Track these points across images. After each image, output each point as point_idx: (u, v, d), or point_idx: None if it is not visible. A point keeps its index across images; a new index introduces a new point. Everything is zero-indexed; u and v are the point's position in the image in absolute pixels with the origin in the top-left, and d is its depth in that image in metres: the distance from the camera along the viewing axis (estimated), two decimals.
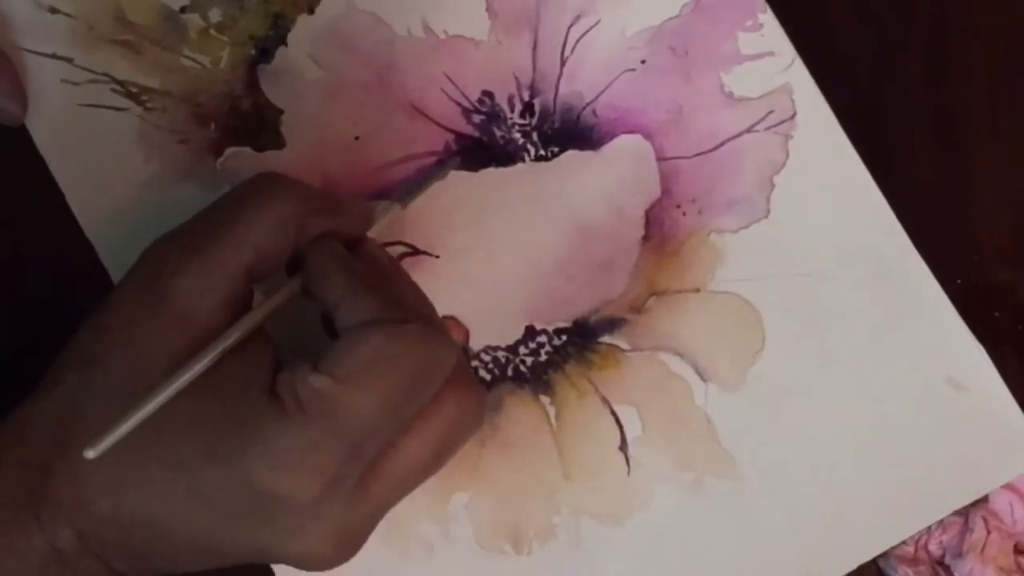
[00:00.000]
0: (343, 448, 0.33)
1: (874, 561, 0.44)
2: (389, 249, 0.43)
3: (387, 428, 0.34)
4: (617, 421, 0.44)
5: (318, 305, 0.37)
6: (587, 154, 0.44)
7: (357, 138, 0.44)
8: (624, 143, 0.44)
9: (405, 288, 0.38)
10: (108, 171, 0.43)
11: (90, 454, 0.31)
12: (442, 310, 0.43)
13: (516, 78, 0.44)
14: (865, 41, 0.46)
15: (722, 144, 0.44)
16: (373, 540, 0.36)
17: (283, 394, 0.34)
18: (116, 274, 0.43)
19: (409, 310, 0.35)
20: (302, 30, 0.44)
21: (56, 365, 0.36)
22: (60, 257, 0.43)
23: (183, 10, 0.44)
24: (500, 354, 0.44)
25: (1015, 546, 0.44)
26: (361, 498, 0.35)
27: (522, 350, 0.44)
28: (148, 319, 0.35)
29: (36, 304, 0.43)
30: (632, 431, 0.44)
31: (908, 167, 0.45)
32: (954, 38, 0.46)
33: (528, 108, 0.44)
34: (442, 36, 0.44)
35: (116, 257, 0.43)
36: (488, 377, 0.44)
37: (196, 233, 0.36)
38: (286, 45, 0.44)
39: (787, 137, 0.44)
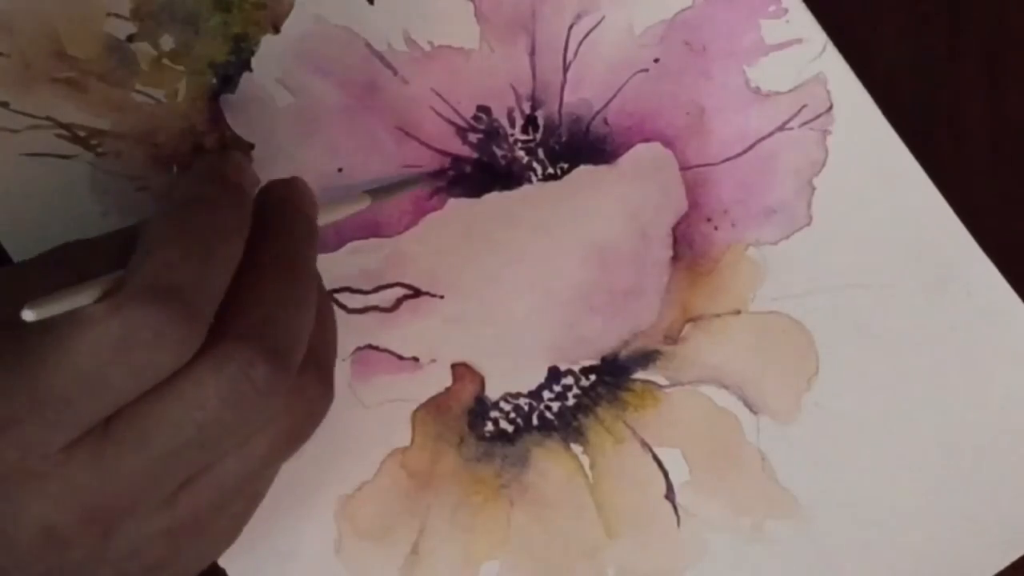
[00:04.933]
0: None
1: None
2: (386, 292, 0.43)
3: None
4: (660, 466, 0.43)
5: None
6: (601, 168, 0.43)
7: (340, 170, 0.42)
8: (642, 153, 0.43)
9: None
10: (60, 228, 0.41)
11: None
12: (451, 356, 0.43)
13: (514, 89, 0.43)
14: (907, 18, 0.44)
15: (752, 146, 0.43)
16: None
17: None
18: None
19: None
20: (268, 52, 0.42)
21: None
22: None
23: (130, 39, 0.42)
24: (522, 401, 0.43)
25: None
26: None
27: (546, 395, 0.43)
28: None
29: None
30: (678, 476, 0.43)
31: (962, 166, 0.44)
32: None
33: (531, 122, 0.43)
34: (427, 48, 0.43)
35: None
36: (511, 428, 0.43)
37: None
38: (251, 70, 0.42)
39: (825, 133, 0.43)
